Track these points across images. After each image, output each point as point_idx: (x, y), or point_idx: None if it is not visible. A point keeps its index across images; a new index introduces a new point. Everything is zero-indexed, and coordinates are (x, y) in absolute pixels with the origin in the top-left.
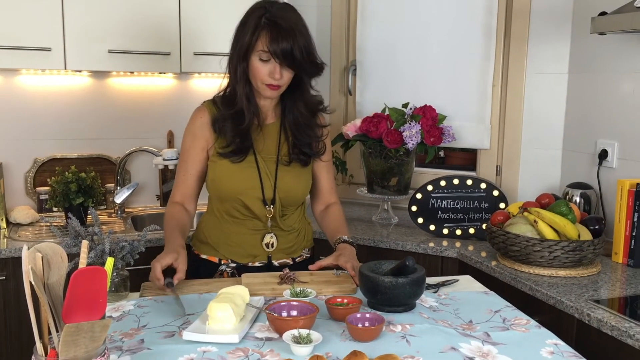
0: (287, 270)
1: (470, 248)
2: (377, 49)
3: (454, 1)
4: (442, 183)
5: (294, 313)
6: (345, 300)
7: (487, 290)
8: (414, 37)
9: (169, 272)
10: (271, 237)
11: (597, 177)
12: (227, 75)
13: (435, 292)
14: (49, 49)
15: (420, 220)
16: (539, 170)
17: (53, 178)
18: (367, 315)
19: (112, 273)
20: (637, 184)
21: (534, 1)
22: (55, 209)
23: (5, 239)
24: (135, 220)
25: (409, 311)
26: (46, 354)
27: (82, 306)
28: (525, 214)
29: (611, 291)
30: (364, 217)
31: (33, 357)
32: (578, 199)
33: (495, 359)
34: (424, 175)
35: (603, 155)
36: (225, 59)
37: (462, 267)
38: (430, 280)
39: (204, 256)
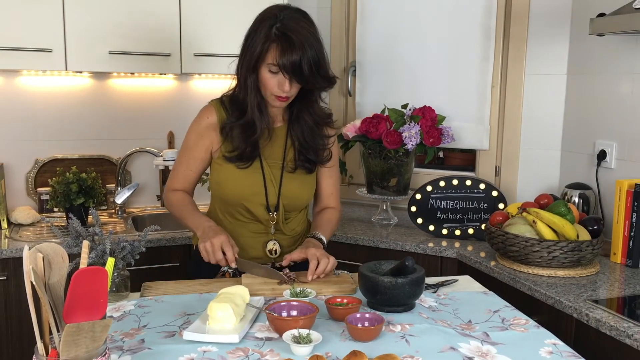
0: (287, 270)
1: (470, 248)
2: (377, 49)
3: (453, 2)
4: (442, 183)
5: (294, 313)
6: (345, 300)
7: (486, 290)
8: (413, 38)
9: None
10: (274, 244)
11: (595, 177)
12: (235, 77)
13: (434, 292)
14: (49, 50)
15: (419, 220)
16: (537, 171)
17: (54, 178)
18: (367, 315)
19: (113, 273)
20: (636, 184)
21: (533, 2)
22: (56, 209)
23: (7, 239)
24: (136, 220)
25: (408, 311)
26: (47, 353)
27: (83, 306)
28: (524, 214)
29: (610, 291)
30: (364, 217)
31: (34, 356)
32: (577, 200)
33: (495, 358)
34: (423, 175)
35: (602, 155)
36: (231, 61)
37: (461, 267)
38: (429, 280)
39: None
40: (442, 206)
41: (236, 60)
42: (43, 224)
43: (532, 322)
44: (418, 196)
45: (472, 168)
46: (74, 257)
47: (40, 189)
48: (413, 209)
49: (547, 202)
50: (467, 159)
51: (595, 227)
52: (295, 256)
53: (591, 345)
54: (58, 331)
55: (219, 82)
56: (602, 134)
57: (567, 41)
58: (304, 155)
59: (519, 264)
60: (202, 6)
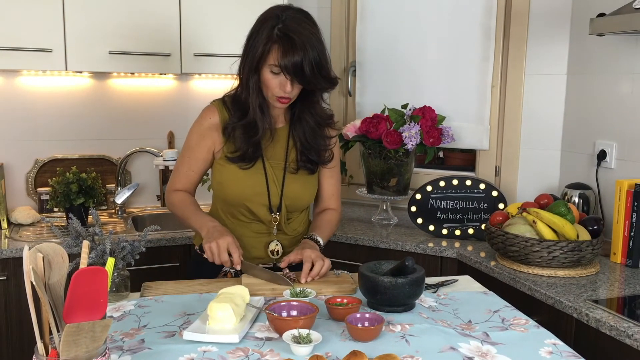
0: (286, 270)
1: (470, 248)
2: (377, 50)
3: (453, 2)
4: (442, 183)
5: (294, 313)
6: (345, 300)
7: (486, 290)
8: (413, 38)
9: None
10: (276, 244)
11: (595, 177)
12: (237, 77)
13: (434, 292)
14: (49, 50)
15: (419, 220)
16: (537, 171)
17: (54, 178)
18: (367, 315)
19: (113, 273)
20: (636, 184)
21: (533, 2)
22: (56, 209)
23: (7, 239)
24: (136, 220)
25: (408, 311)
26: (47, 353)
27: (83, 306)
28: (524, 214)
29: (610, 291)
30: (364, 217)
31: (34, 356)
32: (577, 200)
33: (495, 358)
34: (423, 175)
35: (602, 155)
36: (232, 61)
37: (461, 267)
38: (429, 280)
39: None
40: (442, 206)
41: (238, 60)
42: (43, 224)
43: (532, 322)
44: (418, 196)
45: (472, 168)
46: (74, 257)
47: (40, 189)
48: (413, 209)
49: (547, 202)
50: (467, 159)
51: (595, 227)
52: (292, 258)
53: (591, 345)
54: (58, 331)
55: (219, 82)
56: (602, 134)
57: (567, 41)
58: (305, 156)
59: (519, 264)
60: (202, 6)
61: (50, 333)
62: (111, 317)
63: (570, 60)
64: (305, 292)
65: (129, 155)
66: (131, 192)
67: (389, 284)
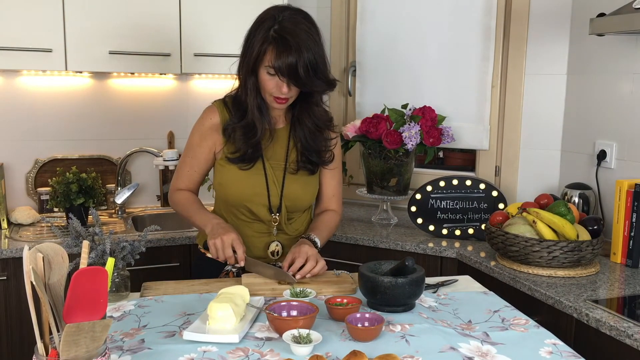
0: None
1: (470, 248)
2: (377, 50)
3: (453, 2)
4: (442, 183)
5: (294, 313)
6: (345, 300)
7: (486, 290)
8: (413, 38)
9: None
10: (276, 245)
11: (595, 177)
12: (237, 77)
13: (434, 292)
14: (49, 50)
15: (419, 220)
16: (537, 171)
17: (54, 178)
18: (367, 315)
19: (113, 273)
20: (636, 184)
21: (532, 2)
22: (56, 209)
23: (7, 239)
24: (136, 220)
25: (408, 311)
26: (47, 353)
27: (83, 306)
28: (524, 214)
29: (610, 291)
30: (364, 217)
31: (34, 356)
32: (577, 200)
33: (494, 358)
34: (423, 175)
35: (602, 155)
36: (232, 61)
37: (461, 267)
38: (429, 280)
39: (209, 255)
40: (442, 206)
41: (237, 60)
42: (43, 224)
43: (532, 322)
44: (418, 196)
45: (472, 168)
46: (74, 257)
47: (40, 189)
48: (413, 209)
49: (547, 202)
50: (467, 159)
51: (595, 227)
52: (289, 259)
53: (591, 345)
54: (58, 331)
55: (219, 82)
56: (602, 134)
57: (567, 41)
58: (306, 157)
59: (519, 264)
60: (202, 6)
61: (50, 333)
62: (111, 317)
63: (570, 60)
64: (305, 292)
65: (129, 155)
66: (131, 192)
67: (389, 284)
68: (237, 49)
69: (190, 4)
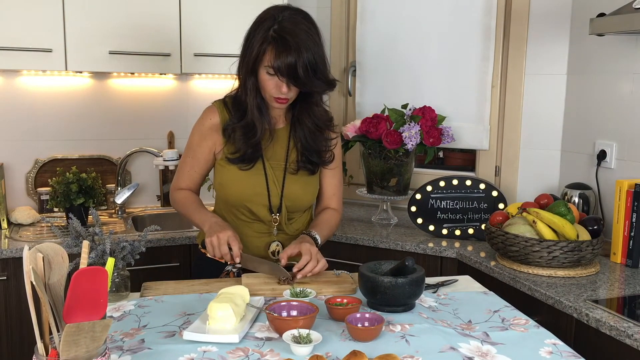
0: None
1: (470, 248)
2: (377, 50)
3: (453, 2)
4: (442, 183)
5: (294, 313)
6: (345, 300)
7: (486, 290)
8: (413, 38)
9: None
10: (277, 245)
11: (595, 177)
12: (237, 77)
13: (434, 292)
14: (49, 50)
15: (419, 220)
16: (537, 171)
17: (54, 178)
18: (367, 315)
19: (113, 273)
20: (636, 184)
21: (532, 2)
22: (56, 209)
23: (7, 239)
24: (136, 220)
25: (408, 311)
26: (47, 353)
27: (83, 306)
28: (524, 214)
29: (610, 291)
30: (364, 217)
31: (34, 356)
32: (577, 200)
33: (494, 358)
34: (423, 175)
35: (602, 155)
36: (232, 61)
37: (461, 267)
38: (429, 280)
39: (209, 255)
40: (442, 206)
41: (237, 60)
42: (43, 224)
43: (532, 322)
44: (418, 196)
45: (472, 168)
46: (74, 257)
47: (40, 189)
48: (413, 209)
49: (547, 202)
50: (467, 159)
51: (595, 227)
52: (289, 252)
53: (591, 345)
54: (58, 331)
55: (219, 82)
56: (602, 134)
57: (567, 41)
58: (306, 157)
59: (519, 264)
60: (202, 6)
61: (50, 333)
62: (111, 317)
63: (570, 60)
64: (305, 292)
65: (129, 155)
66: (131, 192)
67: (389, 284)
68: (237, 49)
69: (190, 4)
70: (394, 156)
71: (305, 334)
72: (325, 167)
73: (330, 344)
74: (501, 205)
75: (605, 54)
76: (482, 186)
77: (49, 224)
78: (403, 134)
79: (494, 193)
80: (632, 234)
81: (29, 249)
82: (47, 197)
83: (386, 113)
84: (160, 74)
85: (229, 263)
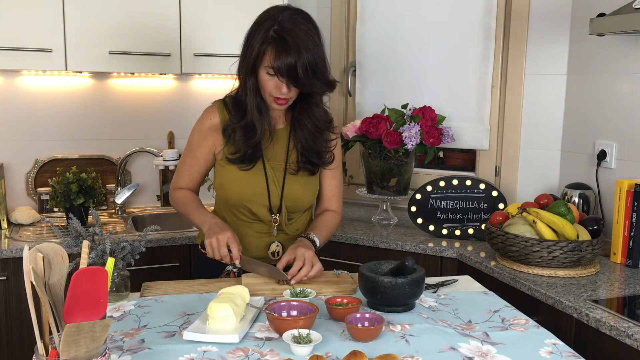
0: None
1: (470, 248)
2: (377, 50)
3: (453, 2)
4: (442, 183)
5: (294, 313)
6: (345, 300)
7: (486, 290)
8: (413, 38)
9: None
10: (277, 245)
11: (595, 177)
12: (237, 77)
13: (434, 292)
14: (49, 50)
15: (419, 220)
16: (537, 171)
17: (54, 178)
18: (367, 315)
19: (113, 273)
20: (636, 184)
21: (532, 2)
22: (56, 209)
23: (7, 239)
24: (136, 220)
25: (408, 311)
26: (47, 353)
27: (83, 306)
28: (524, 214)
29: (610, 291)
30: (364, 217)
31: (34, 356)
32: (577, 200)
33: (495, 358)
34: (423, 175)
35: (602, 155)
36: (232, 61)
37: (461, 267)
38: (429, 280)
39: (209, 255)
40: (442, 206)
41: (238, 60)
42: (43, 224)
43: (532, 322)
44: (418, 196)
45: (472, 168)
46: (74, 257)
47: (40, 189)
48: (413, 209)
49: (547, 202)
50: (467, 159)
51: (595, 227)
52: (286, 258)
53: (591, 345)
54: (58, 331)
55: (219, 82)
56: (602, 134)
57: (567, 41)
58: (306, 157)
59: (519, 264)
60: (202, 6)
61: (50, 333)
62: (111, 317)
63: (570, 60)
64: (305, 292)
65: (129, 155)
66: (131, 192)
67: (389, 284)
68: (237, 49)
69: (190, 4)
70: (394, 156)
71: (305, 334)
72: (325, 167)
73: (330, 344)
74: (501, 205)
75: (605, 54)
76: (482, 186)
77: (49, 224)
78: (403, 134)
79: (494, 193)
80: (632, 234)
81: (29, 249)
82: (47, 197)
83: (386, 113)
84: (160, 74)
85: (229, 263)
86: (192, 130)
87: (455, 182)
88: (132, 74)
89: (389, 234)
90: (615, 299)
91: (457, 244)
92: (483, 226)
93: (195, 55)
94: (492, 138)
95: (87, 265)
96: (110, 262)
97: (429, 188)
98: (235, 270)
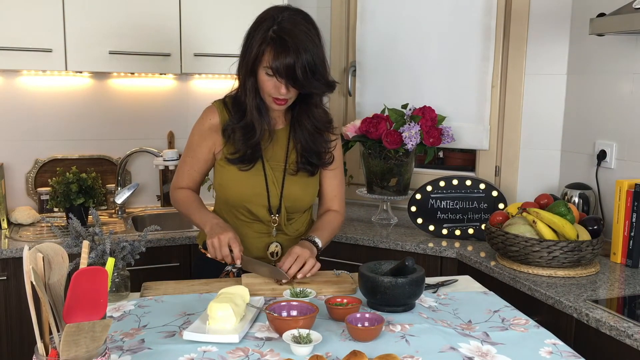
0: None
1: (470, 248)
2: (377, 50)
3: (453, 2)
4: (442, 183)
5: (294, 313)
6: (345, 300)
7: (486, 290)
8: (413, 38)
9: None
10: (276, 246)
11: (595, 177)
12: (236, 77)
13: (434, 292)
14: (49, 50)
15: (419, 220)
16: (537, 171)
17: (54, 178)
18: (367, 315)
19: (113, 273)
20: (636, 184)
21: (532, 2)
22: (56, 209)
23: (7, 239)
24: (136, 220)
25: (408, 311)
26: (47, 353)
27: (83, 306)
28: (524, 214)
29: (610, 291)
30: (364, 217)
31: (34, 356)
32: (577, 200)
33: (494, 358)
34: (423, 175)
35: (602, 155)
36: (232, 61)
37: (461, 267)
38: (429, 280)
39: (209, 255)
40: (442, 206)
41: (237, 60)
42: (43, 224)
43: (532, 322)
44: (418, 196)
45: (472, 168)
46: (74, 257)
47: (40, 189)
48: (413, 209)
49: (547, 202)
50: (467, 159)
51: (595, 227)
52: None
53: (591, 345)
54: (58, 331)
55: (219, 82)
56: (602, 134)
57: (567, 41)
58: (305, 158)
59: (519, 264)
60: (202, 6)
61: (50, 333)
62: (111, 317)
63: (570, 60)
64: (305, 292)
65: (129, 155)
66: (131, 192)
67: (389, 284)
68: (237, 49)
69: (190, 4)
70: (394, 156)
71: (305, 334)
72: (325, 168)
73: (330, 344)
74: (501, 205)
75: (605, 54)
76: (482, 186)
77: (49, 224)
78: (403, 134)
79: (494, 193)
80: (632, 234)
81: (29, 249)
82: (47, 197)
83: (386, 113)
84: (160, 74)
85: (229, 263)
86: (192, 130)
87: (455, 182)
88: (132, 74)
89: (389, 234)
90: (615, 299)
91: (457, 244)
92: (483, 226)
93: (195, 55)
94: (492, 138)
95: (87, 265)
96: (110, 262)
97: (429, 188)
98: (235, 270)
